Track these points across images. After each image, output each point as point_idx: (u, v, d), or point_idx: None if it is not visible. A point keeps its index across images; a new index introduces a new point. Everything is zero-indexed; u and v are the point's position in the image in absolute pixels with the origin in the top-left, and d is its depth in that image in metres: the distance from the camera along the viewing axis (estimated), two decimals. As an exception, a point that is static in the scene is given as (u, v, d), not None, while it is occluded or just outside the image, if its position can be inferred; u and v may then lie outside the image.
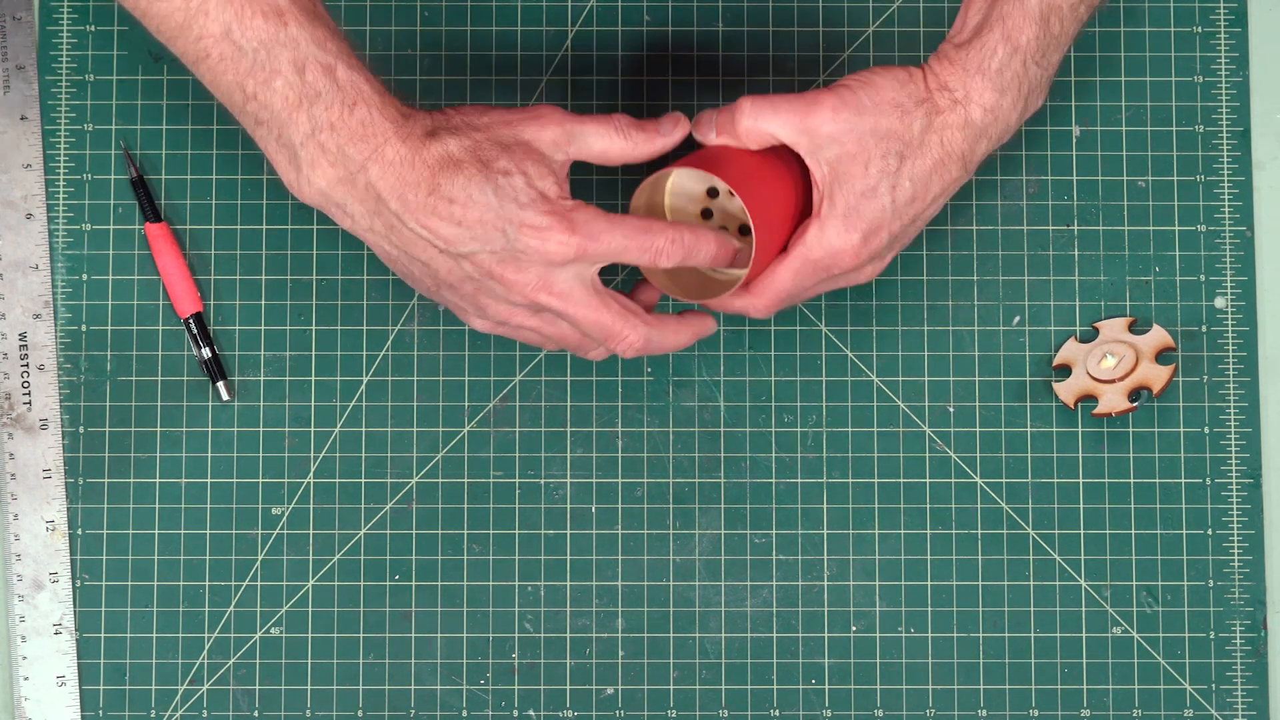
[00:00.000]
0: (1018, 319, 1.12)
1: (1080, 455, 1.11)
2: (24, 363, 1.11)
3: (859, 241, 0.99)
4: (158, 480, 1.11)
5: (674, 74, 1.13)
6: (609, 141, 0.98)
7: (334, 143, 0.94)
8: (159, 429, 1.11)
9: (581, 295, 0.97)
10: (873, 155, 0.98)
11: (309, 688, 1.10)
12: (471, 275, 0.96)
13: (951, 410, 1.11)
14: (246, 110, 0.95)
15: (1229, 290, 1.12)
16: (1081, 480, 1.11)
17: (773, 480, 1.11)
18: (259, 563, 1.11)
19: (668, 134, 0.99)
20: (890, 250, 1.01)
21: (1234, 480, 1.11)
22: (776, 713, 1.10)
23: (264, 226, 1.12)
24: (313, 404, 1.11)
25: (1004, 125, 0.99)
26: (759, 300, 1.01)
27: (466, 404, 1.11)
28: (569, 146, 0.97)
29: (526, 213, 0.94)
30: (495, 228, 0.94)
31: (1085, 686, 1.10)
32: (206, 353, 1.11)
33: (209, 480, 1.11)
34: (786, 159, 1.01)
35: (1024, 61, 0.98)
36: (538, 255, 0.95)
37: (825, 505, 1.11)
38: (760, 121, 0.99)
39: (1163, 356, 1.11)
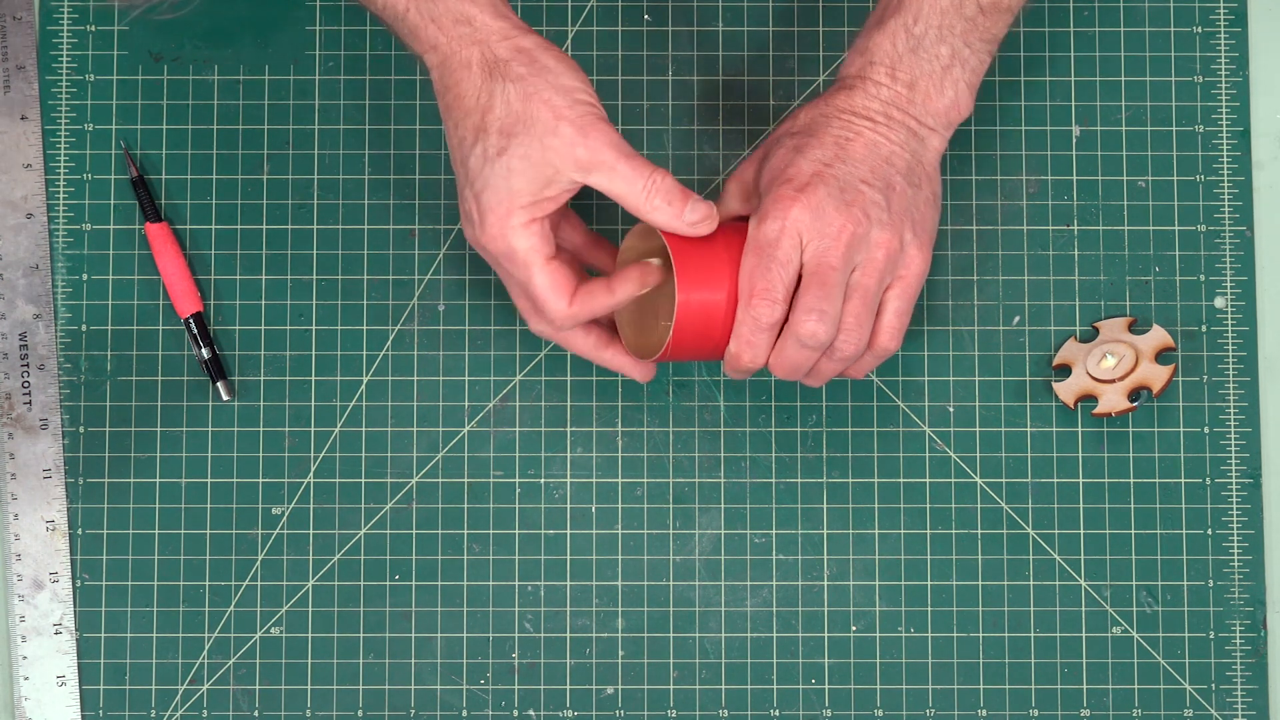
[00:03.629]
0: (1018, 319, 1.12)
1: (1080, 455, 1.11)
2: (24, 363, 1.11)
3: (787, 189, 0.98)
4: (158, 480, 1.11)
5: (674, 74, 1.13)
6: (629, 190, 0.97)
7: (396, 32, 1.00)
8: (159, 429, 1.11)
9: (523, 258, 0.99)
10: (775, 150, 1.01)
11: (309, 688, 1.10)
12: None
13: (951, 410, 1.11)
14: None
15: (1229, 290, 1.12)
16: (1081, 480, 1.11)
17: (773, 480, 1.11)
18: (259, 563, 1.11)
19: (689, 221, 0.98)
20: (865, 200, 0.98)
21: (1234, 480, 1.11)
22: (776, 713, 1.10)
23: (264, 226, 1.12)
24: (313, 404, 1.11)
25: (891, 93, 1.00)
26: (747, 309, 0.99)
27: (466, 404, 1.11)
28: (592, 173, 0.97)
29: (486, 189, 0.97)
30: (461, 177, 0.99)
31: (1085, 686, 1.10)
32: (206, 353, 1.11)
33: (209, 480, 1.11)
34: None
35: (894, 43, 1.00)
36: (474, 226, 0.99)
37: (825, 505, 1.11)
38: (721, 210, 1.03)
39: (1163, 356, 1.11)
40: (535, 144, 0.96)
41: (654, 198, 0.97)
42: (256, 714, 1.10)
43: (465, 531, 1.11)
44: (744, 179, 1.04)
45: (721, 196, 1.04)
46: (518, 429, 1.11)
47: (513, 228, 0.97)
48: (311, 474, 1.11)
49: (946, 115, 1.01)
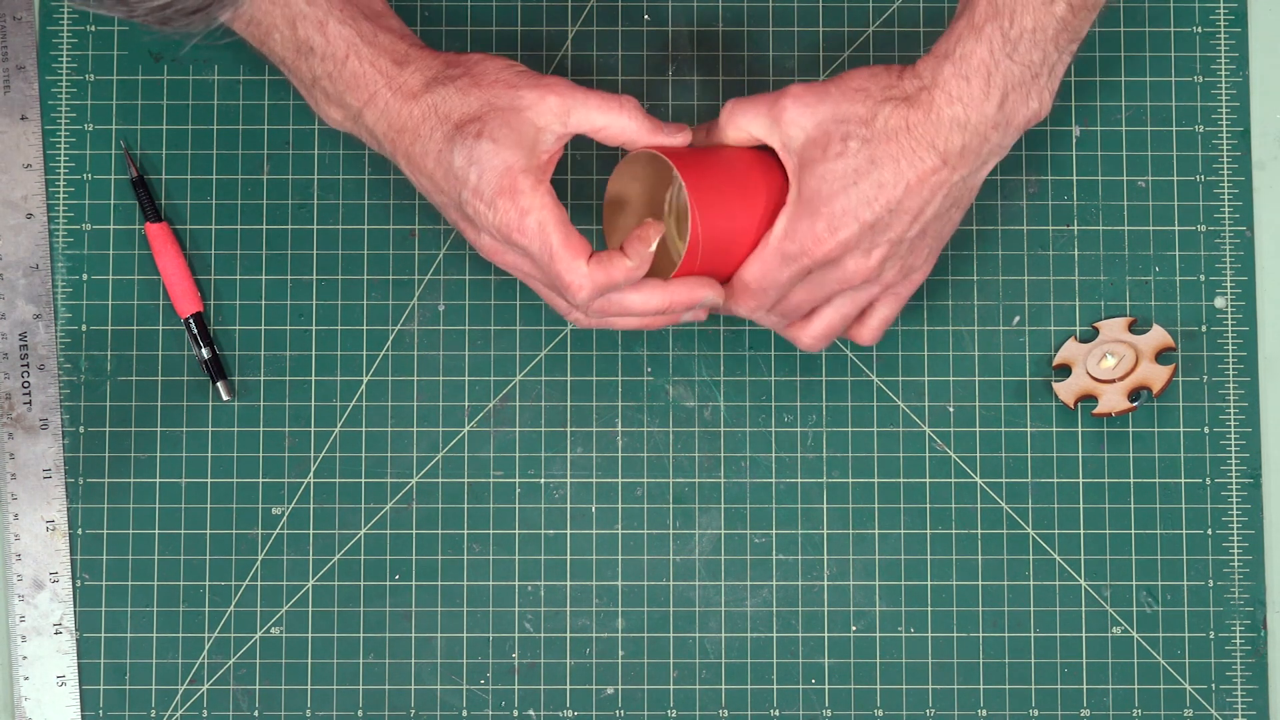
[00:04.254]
0: (1018, 319, 1.12)
1: (1080, 455, 1.11)
2: (24, 363, 1.11)
3: (824, 227, 0.97)
4: (158, 480, 1.11)
5: (674, 74, 1.13)
6: (610, 118, 0.98)
7: (334, 89, 0.99)
8: (159, 429, 1.11)
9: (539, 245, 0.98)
10: (833, 138, 0.97)
11: (309, 688, 1.10)
12: (447, 216, 1.01)
13: (951, 410, 1.11)
14: (263, 53, 1.01)
15: (1229, 290, 1.12)
16: (1081, 480, 1.11)
17: (773, 480, 1.11)
18: (259, 563, 1.11)
19: (669, 134, 1.00)
20: (890, 249, 0.99)
21: (1234, 480, 1.11)
22: (776, 713, 1.10)
23: (264, 226, 1.12)
24: (313, 404, 1.11)
25: (980, 115, 0.96)
26: (733, 299, 1.00)
27: (466, 404, 1.11)
28: (569, 118, 0.98)
29: (482, 180, 0.96)
30: (452, 189, 0.98)
31: (1085, 686, 1.10)
32: (206, 353, 1.11)
33: (209, 480, 1.11)
34: (773, 169, 1.01)
35: (990, 50, 0.96)
36: (484, 223, 0.97)
37: (825, 505, 1.11)
38: (736, 118, 1.00)
39: (1163, 356, 1.11)
40: (508, 113, 0.97)
41: (637, 116, 0.99)
42: (256, 714, 1.10)
43: (465, 531, 1.11)
44: (795, 128, 0.99)
45: (772, 117, 0.99)
46: (518, 429, 1.11)
47: (522, 193, 0.96)
48: (311, 474, 1.11)
49: (1024, 126, 0.98)
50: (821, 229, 0.97)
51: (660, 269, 1.03)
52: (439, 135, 0.97)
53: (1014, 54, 0.96)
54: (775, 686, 1.10)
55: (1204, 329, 1.12)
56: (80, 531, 1.11)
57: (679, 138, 1.00)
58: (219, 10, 0.84)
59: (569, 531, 1.11)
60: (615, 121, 0.98)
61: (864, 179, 0.97)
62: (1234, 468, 1.11)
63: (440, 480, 1.11)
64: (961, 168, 0.98)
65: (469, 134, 0.96)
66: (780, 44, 1.14)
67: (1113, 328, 1.11)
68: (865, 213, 0.97)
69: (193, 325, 1.11)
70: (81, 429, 1.11)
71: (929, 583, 1.11)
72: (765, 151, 1.01)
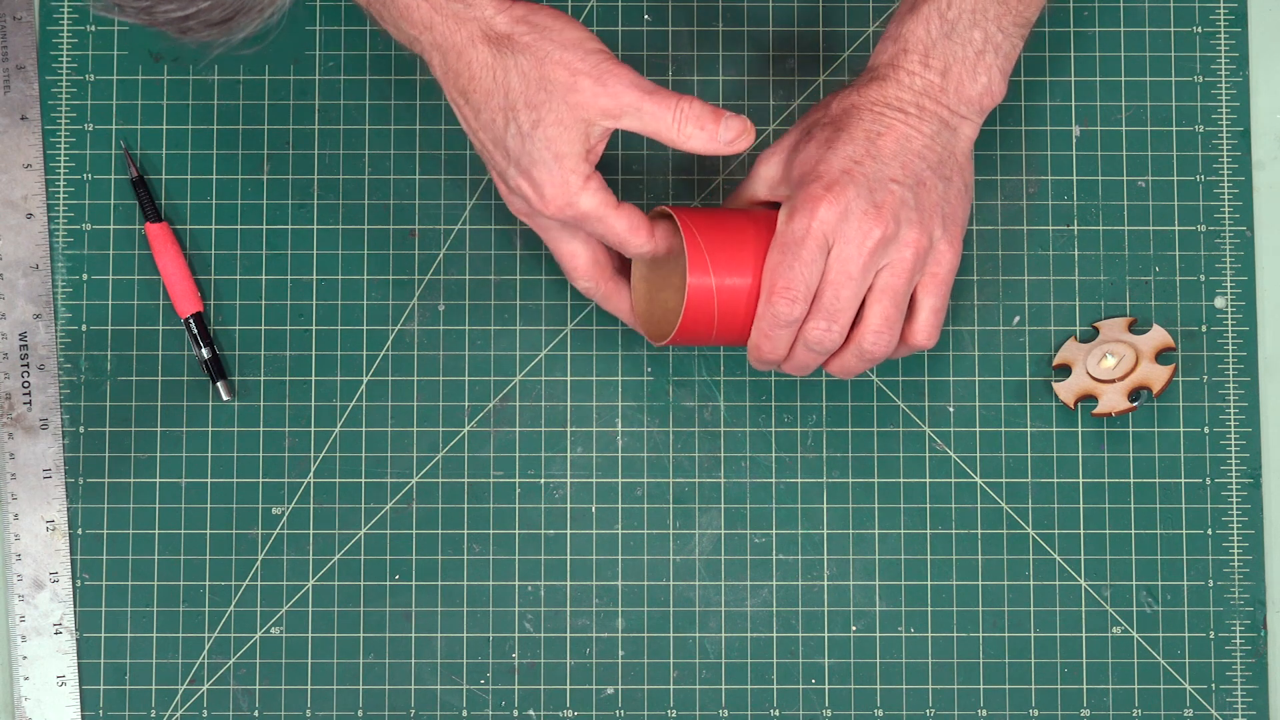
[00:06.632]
0: (1018, 319, 1.12)
1: (1080, 455, 1.11)
2: (24, 363, 1.11)
3: (818, 186, 0.98)
4: (158, 480, 1.11)
5: (674, 74, 1.13)
6: (660, 125, 0.98)
7: (389, 15, 0.98)
8: (159, 429, 1.11)
9: (557, 234, 1.02)
10: (806, 143, 1.01)
11: (309, 688, 1.10)
12: (485, 152, 1.01)
13: (951, 410, 1.11)
14: None
15: (1229, 290, 1.12)
16: (1081, 480, 1.11)
17: (773, 480, 1.11)
18: (259, 563, 1.11)
19: (726, 142, 0.99)
20: (894, 197, 0.98)
21: (1234, 480, 1.11)
22: (776, 713, 1.10)
23: (264, 226, 1.12)
24: (313, 404, 1.11)
25: (924, 80, 1.00)
26: (768, 301, 0.99)
27: (466, 404, 1.11)
28: (621, 118, 0.98)
29: (535, 165, 0.97)
30: (500, 158, 0.99)
31: (1085, 686, 1.10)
32: (206, 353, 1.11)
33: (209, 480, 1.11)
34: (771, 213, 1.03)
35: (927, 29, 1.00)
36: (526, 197, 0.99)
37: (825, 505, 1.11)
38: (729, 205, 1.05)
39: (1163, 356, 1.11)
40: (562, 106, 0.97)
41: (686, 126, 0.98)
42: (256, 714, 1.10)
43: (465, 531, 1.11)
44: (771, 166, 1.03)
45: (748, 181, 1.04)
46: (518, 429, 1.11)
47: (574, 190, 0.98)
48: (311, 474, 1.11)
49: (979, 102, 1.01)
50: (816, 188, 0.99)
51: (664, 301, 1.04)
52: (494, 105, 0.97)
53: (952, 34, 1.00)
54: (775, 686, 1.10)
55: (1204, 329, 1.12)
56: (80, 531, 1.11)
57: (740, 143, 0.99)
58: (241, 26, 0.84)
59: (569, 531, 1.11)
60: (663, 130, 0.98)
61: (836, 142, 0.99)
62: (1234, 468, 1.11)
63: (440, 480, 1.11)
64: (926, 121, 1.00)
65: (525, 122, 0.97)
66: (780, 44, 1.14)
67: (1113, 328, 1.11)
68: (853, 166, 0.99)
69: (193, 325, 1.11)
70: (81, 429, 1.11)
71: (929, 583, 1.11)
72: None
